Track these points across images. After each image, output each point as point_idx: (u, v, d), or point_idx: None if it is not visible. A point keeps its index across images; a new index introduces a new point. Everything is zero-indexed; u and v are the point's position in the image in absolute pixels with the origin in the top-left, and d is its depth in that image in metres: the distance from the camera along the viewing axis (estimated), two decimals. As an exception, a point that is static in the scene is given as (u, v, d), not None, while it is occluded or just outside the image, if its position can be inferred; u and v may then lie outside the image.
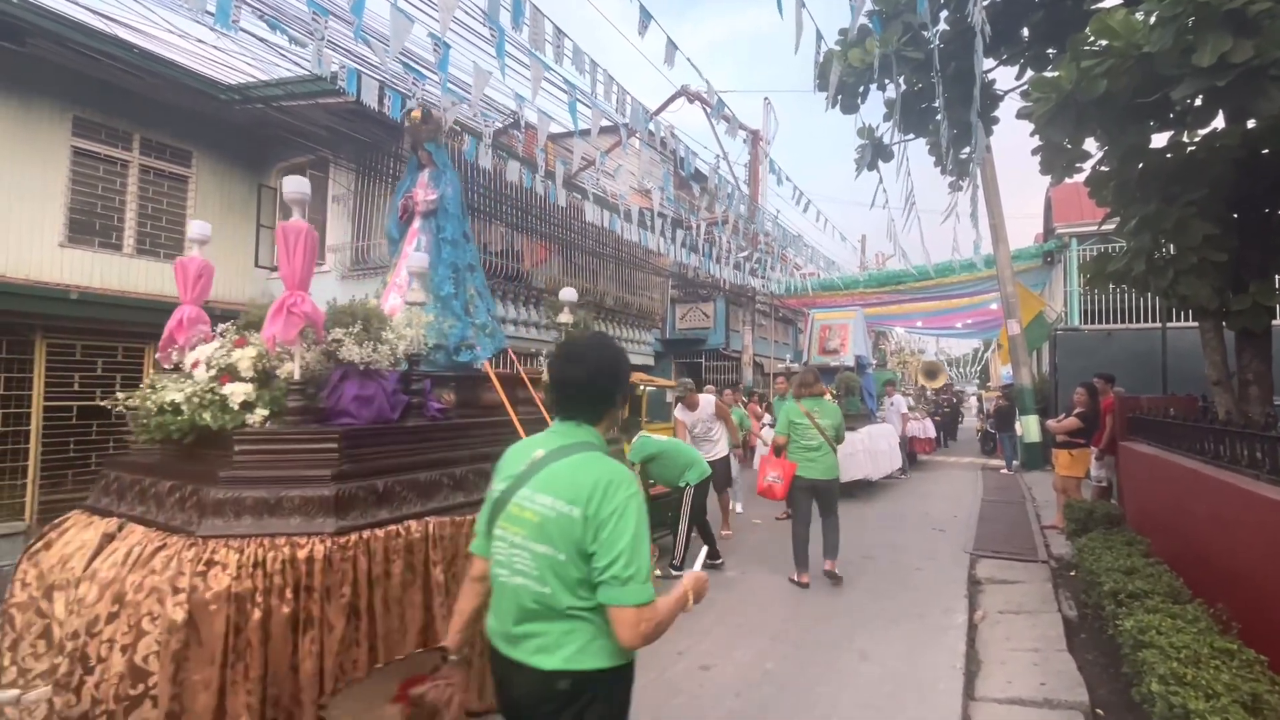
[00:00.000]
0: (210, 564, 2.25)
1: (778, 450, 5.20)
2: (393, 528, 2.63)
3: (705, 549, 4.89)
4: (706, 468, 5.56)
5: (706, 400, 6.66)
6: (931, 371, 19.25)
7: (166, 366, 3.01)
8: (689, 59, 5.61)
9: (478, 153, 6.06)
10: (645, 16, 4.70)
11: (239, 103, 7.24)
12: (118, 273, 6.99)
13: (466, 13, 5.69)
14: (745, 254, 12.75)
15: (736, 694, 3.40)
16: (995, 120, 5.67)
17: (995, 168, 11.84)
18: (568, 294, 4.58)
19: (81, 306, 4.55)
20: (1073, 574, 5.15)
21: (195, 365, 2.80)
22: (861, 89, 5.53)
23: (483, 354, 3.82)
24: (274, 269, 8.47)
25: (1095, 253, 10.96)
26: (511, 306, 8.98)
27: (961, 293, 14.56)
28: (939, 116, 5.28)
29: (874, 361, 12.70)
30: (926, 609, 4.61)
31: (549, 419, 3.69)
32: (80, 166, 6.81)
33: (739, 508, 7.85)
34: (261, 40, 5.84)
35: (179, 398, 2.64)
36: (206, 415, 2.62)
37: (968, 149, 5.58)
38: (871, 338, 19.68)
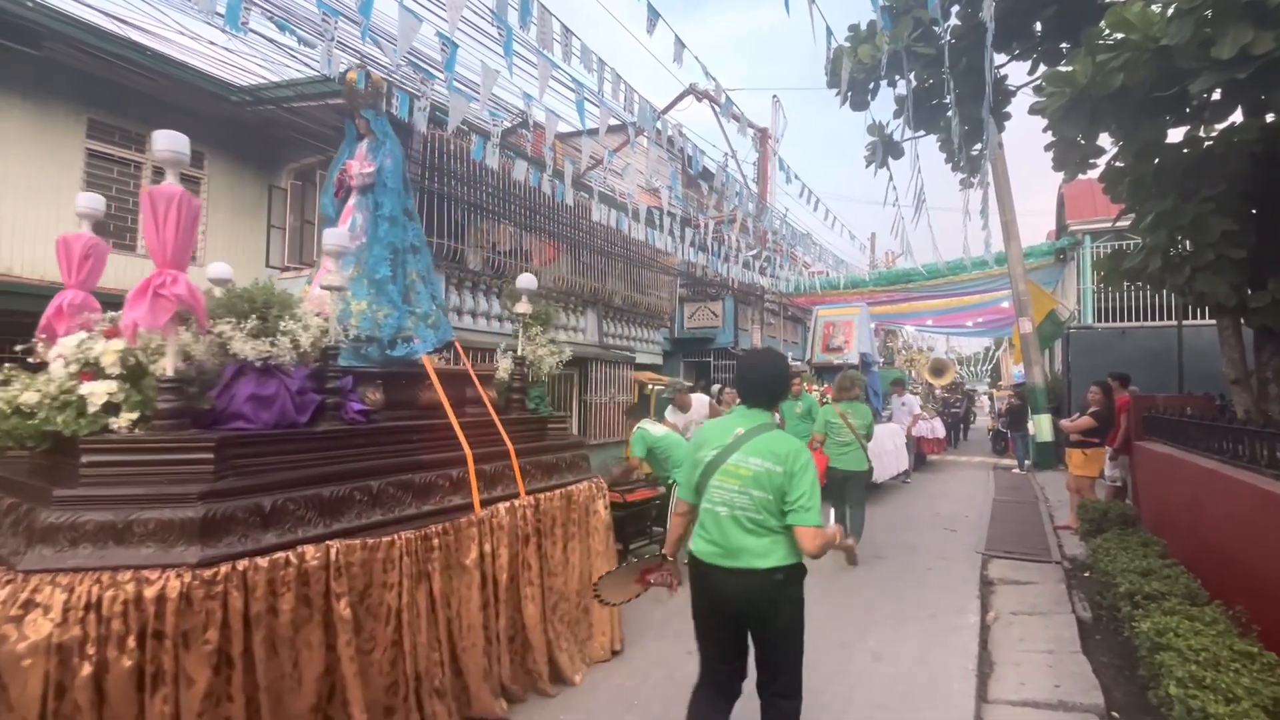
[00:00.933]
0: (28, 606, 1.80)
1: (816, 445, 5.96)
2: (281, 555, 2.16)
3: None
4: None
5: (700, 401, 6.35)
6: (939, 369, 18.91)
7: (34, 360, 2.57)
8: (696, 57, 5.58)
9: (485, 152, 6.07)
10: (653, 15, 4.68)
11: (250, 104, 7.29)
12: (131, 273, 7.07)
13: (474, 11, 5.70)
14: (754, 252, 12.71)
15: (748, 693, 3.38)
16: (1007, 116, 5.61)
17: (1007, 164, 11.70)
18: (526, 281, 4.03)
19: (96, 307, 4.61)
20: (1087, 575, 5.09)
21: (58, 358, 2.35)
22: (871, 85, 5.49)
23: (422, 347, 3.36)
24: (285, 268, 8.53)
25: (1109, 250, 10.83)
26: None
27: (972, 290, 14.41)
28: (950, 113, 5.23)
29: (880, 359, 12.40)
30: (938, 609, 4.57)
31: (497, 420, 3.43)
32: (95, 168, 6.88)
33: None
34: (271, 41, 5.88)
35: (33, 398, 2.21)
36: (60, 419, 2.17)
37: (979, 145, 5.53)
38: (880, 336, 19.42)
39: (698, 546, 2.33)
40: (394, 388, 3.21)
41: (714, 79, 6.16)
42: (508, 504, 3.20)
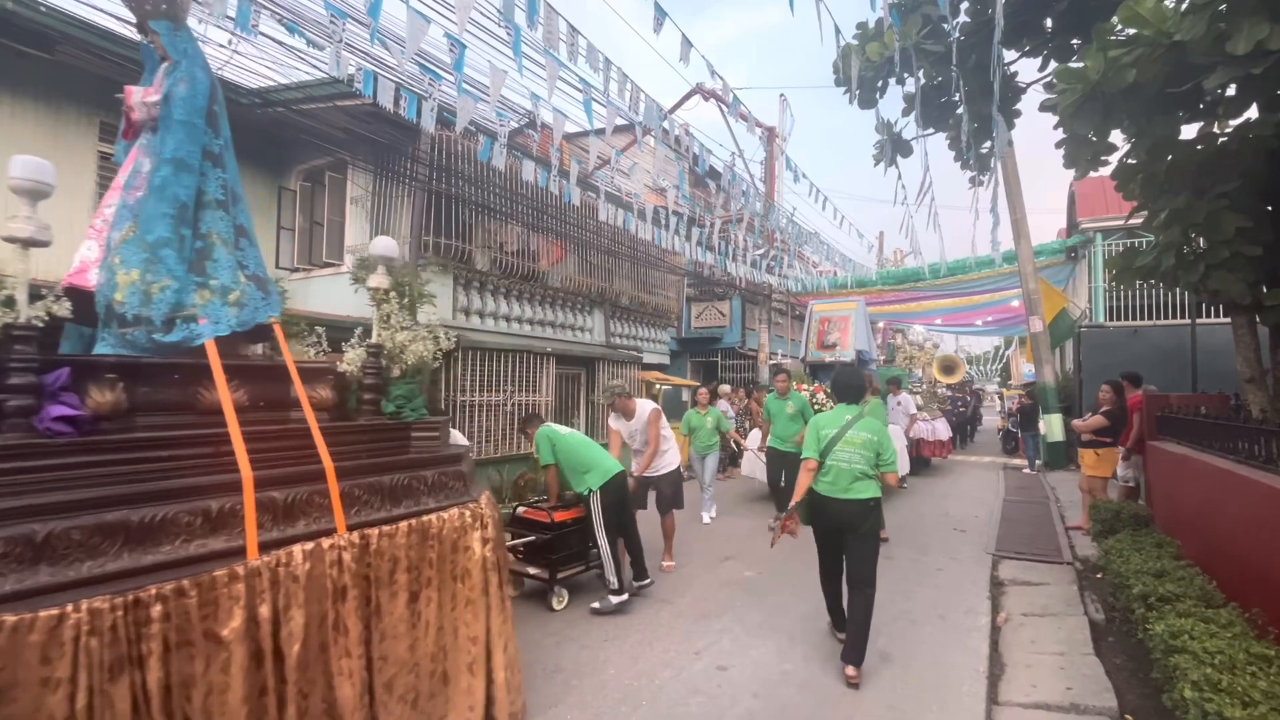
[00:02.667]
0: None
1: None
2: None
3: (612, 577, 4.43)
4: (612, 466, 4.68)
5: (644, 407, 5.44)
6: (948, 367, 18.37)
7: None
8: (704, 56, 5.57)
9: (492, 152, 6.09)
10: (660, 14, 4.68)
11: (260, 106, 7.34)
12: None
13: (482, 13, 5.71)
14: (761, 252, 12.68)
15: (754, 694, 3.37)
16: (1017, 113, 5.56)
17: (1017, 162, 11.63)
18: (382, 246, 3.22)
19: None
20: (1099, 576, 5.04)
21: None
22: (880, 83, 5.46)
23: (210, 329, 2.48)
24: (295, 269, 8.58)
25: (1121, 247, 10.72)
26: (528, 306, 9.03)
27: (982, 289, 14.33)
28: (959, 110, 5.20)
29: (878, 357, 11.62)
30: (948, 610, 4.55)
31: (315, 428, 2.51)
32: (107, 171, 6.95)
33: (708, 517, 7.34)
34: (280, 44, 5.92)
35: None
36: None
37: (989, 143, 5.49)
38: (886, 333, 19.14)
39: (821, 488, 3.68)
40: (156, 385, 2.33)
41: (721, 78, 6.15)
42: (312, 545, 2.28)
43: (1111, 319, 11.57)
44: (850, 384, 3.94)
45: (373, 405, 3.05)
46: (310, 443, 2.52)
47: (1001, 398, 27.69)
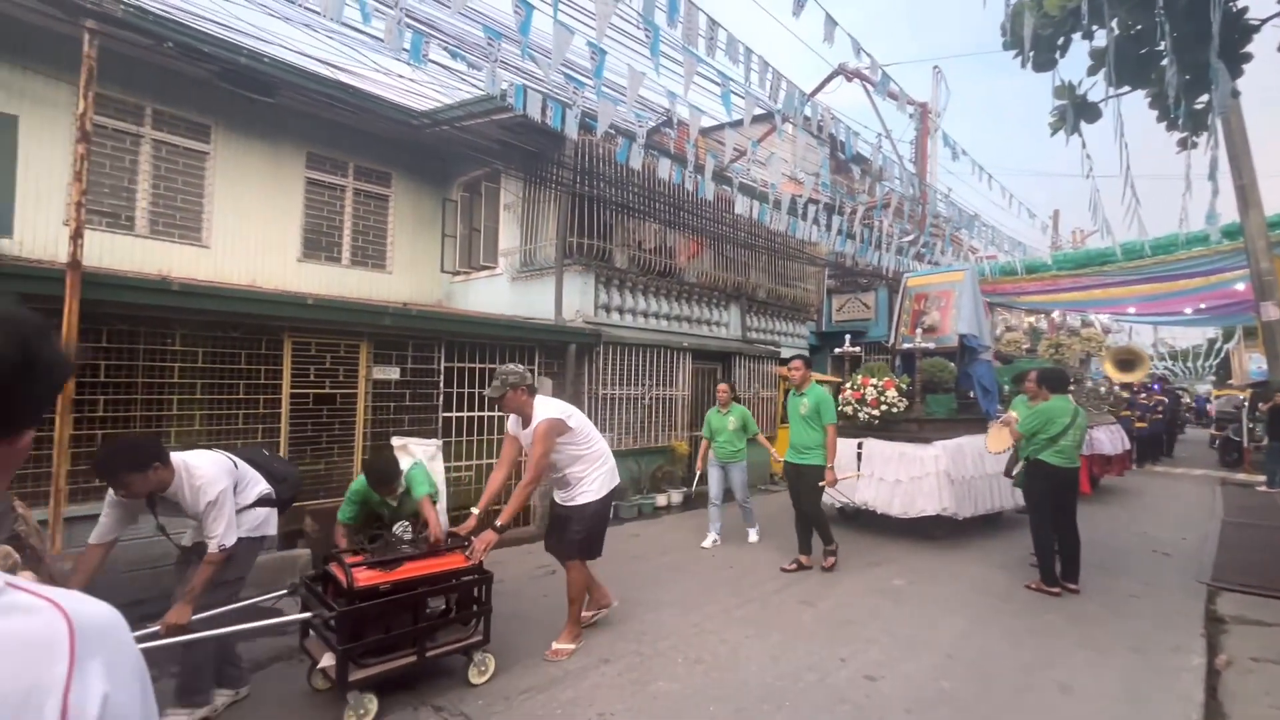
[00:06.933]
0: None
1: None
2: None
3: None
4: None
5: (544, 410, 3.71)
6: (1126, 361, 14.16)
7: None
8: (849, 34, 5.28)
9: (630, 153, 6.24)
10: (801, -5, 4.50)
11: (428, 127, 8.18)
12: (338, 281, 8.29)
13: (621, 17, 5.87)
14: (910, 238, 11.74)
15: (907, 710, 3.16)
16: (1246, 57, 4.60)
17: (1244, 117, 9.65)
18: None
19: (315, 310, 5.45)
20: (1365, 622, 4.07)
21: None
22: (1060, 40, 4.80)
23: None
24: (457, 273, 9.47)
25: (1400, 213, 8.47)
26: (665, 301, 9.16)
27: (1192, 271, 12.04)
28: (1164, 62, 4.42)
29: (988, 344, 8.69)
30: (1146, 644, 3.93)
31: None
32: (311, 194, 8.16)
33: (753, 535, 6.48)
34: (444, 68, 6.54)
35: None
36: None
37: (1205, 96, 4.61)
38: (1058, 321, 16.41)
39: (1056, 460, 4.82)
40: None
41: (868, 54, 5.78)
42: None
43: (1384, 303, 9.21)
44: (1061, 378, 5.15)
45: None
46: None
47: (1209, 399, 23.23)
